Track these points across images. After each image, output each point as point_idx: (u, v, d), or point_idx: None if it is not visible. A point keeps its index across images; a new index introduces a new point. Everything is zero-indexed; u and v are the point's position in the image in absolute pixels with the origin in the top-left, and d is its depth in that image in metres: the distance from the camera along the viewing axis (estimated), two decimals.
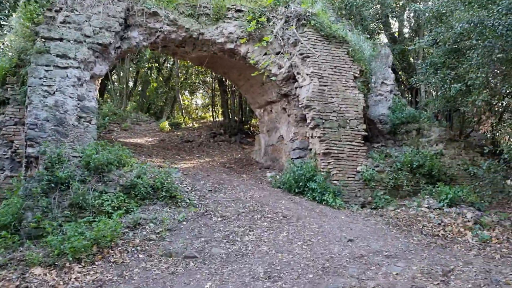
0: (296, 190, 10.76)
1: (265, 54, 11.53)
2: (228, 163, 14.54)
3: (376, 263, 6.64)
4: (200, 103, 29.07)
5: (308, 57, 11.12)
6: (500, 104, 11.31)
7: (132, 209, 8.53)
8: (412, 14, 18.47)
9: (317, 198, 10.33)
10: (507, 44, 9.39)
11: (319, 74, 11.13)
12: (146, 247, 7.47)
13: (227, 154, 16.37)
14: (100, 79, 10.78)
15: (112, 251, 7.21)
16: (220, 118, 23.03)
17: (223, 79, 20.53)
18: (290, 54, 11.47)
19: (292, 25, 11.07)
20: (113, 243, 7.34)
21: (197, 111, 27.58)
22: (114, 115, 19.86)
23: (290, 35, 11.31)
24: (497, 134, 11.94)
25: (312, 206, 9.89)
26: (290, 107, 12.27)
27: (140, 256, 7.15)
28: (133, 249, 7.33)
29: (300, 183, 10.69)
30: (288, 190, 10.89)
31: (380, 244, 7.54)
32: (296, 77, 11.65)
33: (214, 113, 24.59)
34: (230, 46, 11.55)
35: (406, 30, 18.79)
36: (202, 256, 7.12)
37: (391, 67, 13.78)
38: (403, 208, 10.16)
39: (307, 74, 11.19)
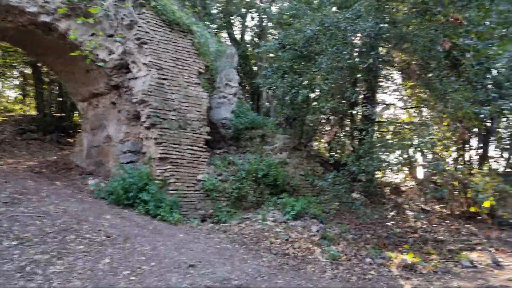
0: (126, 202, 8.82)
1: (93, 34, 9.36)
2: (39, 166, 11.68)
3: None
4: (11, 95, 24.09)
5: (146, 43, 9.37)
6: (348, 113, 11.30)
7: None
8: (254, 22, 18.21)
9: (150, 212, 8.59)
10: (354, 51, 9.23)
11: (159, 65, 9.46)
12: None
13: (38, 155, 13.34)
14: None
15: None
16: (34, 112, 19.18)
17: (38, 64, 17.05)
18: (124, 38, 9.54)
19: (127, 3, 9.16)
20: None
21: (2, 102, 22.71)
22: None
23: (125, 15, 9.38)
24: (338, 143, 11.95)
25: (144, 221, 8.12)
26: (121, 101, 10.26)
27: None
28: None
29: (131, 193, 8.80)
30: (115, 202, 8.86)
31: (228, 270, 6.24)
32: (130, 67, 9.75)
33: (25, 105, 20.50)
34: (45, 18, 9.04)
35: (249, 34, 18.40)
36: None
37: (235, 69, 12.91)
38: (248, 222, 9.16)
39: (144, 64, 9.42)
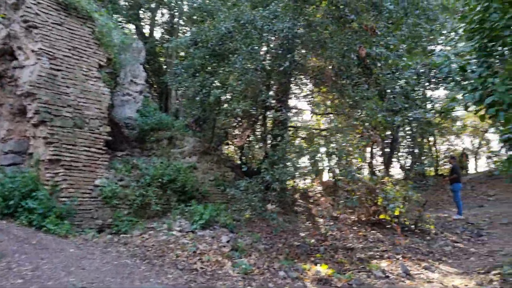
0: (5, 211, 7.49)
1: None
2: None
3: None
4: None
5: (36, 27, 8.09)
6: (260, 117, 10.87)
7: None
8: (165, 18, 17.29)
9: (35, 223, 7.36)
10: (272, 51, 8.84)
11: (51, 53, 8.23)
12: None
13: None
14: None
15: None
16: None
17: None
18: (9, 20, 8.18)
19: None
20: None
21: None
22: None
23: None
24: (250, 148, 11.49)
25: (27, 234, 6.91)
26: (3, 93, 8.79)
27: None
28: None
29: (12, 201, 7.48)
30: None
31: None
32: (16, 53, 8.40)
33: None
34: None
35: (159, 30, 17.36)
36: None
37: (142, 66, 11.92)
38: (152, 232, 8.28)
39: (33, 51, 8.13)
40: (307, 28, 8.63)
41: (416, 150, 18.64)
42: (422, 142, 19.31)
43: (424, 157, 19.72)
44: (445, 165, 22.04)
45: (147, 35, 16.46)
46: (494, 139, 23.60)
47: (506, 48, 4.63)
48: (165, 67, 15.66)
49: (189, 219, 8.87)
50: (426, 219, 10.87)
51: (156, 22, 17.04)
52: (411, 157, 17.34)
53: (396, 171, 17.03)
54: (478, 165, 24.35)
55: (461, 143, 24.79)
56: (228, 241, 8.14)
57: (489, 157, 23.20)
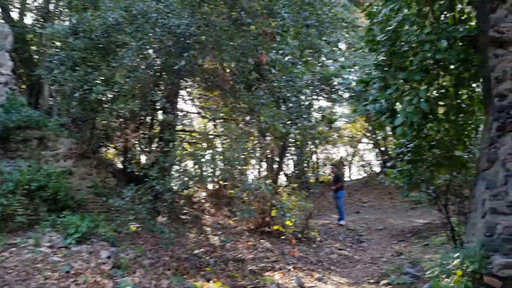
0: None
1: None
2: None
3: None
4: None
5: None
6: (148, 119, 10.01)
7: None
8: (38, 2, 15.40)
9: None
10: (161, 51, 8.18)
11: None
12: None
13: None
14: None
15: None
16: None
17: None
18: None
19: None
20: None
21: None
22: None
23: None
24: (135, 152, 10.52)
25: None
26: None
27: None
28: None
29: None
30: None
31: None
32: None
33: None
34: None
35: (31, 16, 15.35)
36: None
37: (9, 53, 10.33)
38: (14, 249, 6.99)
39: None
40: (205, 28, 8.14)
41: (299, 158, 19.25)
42: (305, 151, 20.04)
43: (306, 165, 20.47)
44: (324, 172, 23.25)
45: (16, 19, 14.43)
46: (366, 149, 25.62)
47: (416, 64, 4.67)
48: (37, 57, 13.85)
49: (62, 232, 7.70)
50: (312, 227, 11.06)
51: (27, 5, 15.04)
52: (297, 165, 17.82)
53: (281, 179, 17.30)
54: (351, 173, 26.16)
55: (337, 152, 26.43)
56: (108, 257, 7.21)
57: (362, 166, 25.10)
